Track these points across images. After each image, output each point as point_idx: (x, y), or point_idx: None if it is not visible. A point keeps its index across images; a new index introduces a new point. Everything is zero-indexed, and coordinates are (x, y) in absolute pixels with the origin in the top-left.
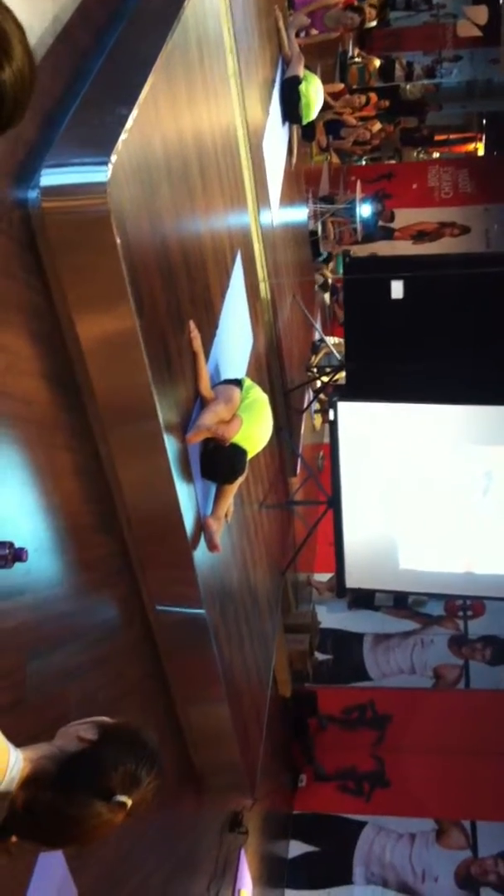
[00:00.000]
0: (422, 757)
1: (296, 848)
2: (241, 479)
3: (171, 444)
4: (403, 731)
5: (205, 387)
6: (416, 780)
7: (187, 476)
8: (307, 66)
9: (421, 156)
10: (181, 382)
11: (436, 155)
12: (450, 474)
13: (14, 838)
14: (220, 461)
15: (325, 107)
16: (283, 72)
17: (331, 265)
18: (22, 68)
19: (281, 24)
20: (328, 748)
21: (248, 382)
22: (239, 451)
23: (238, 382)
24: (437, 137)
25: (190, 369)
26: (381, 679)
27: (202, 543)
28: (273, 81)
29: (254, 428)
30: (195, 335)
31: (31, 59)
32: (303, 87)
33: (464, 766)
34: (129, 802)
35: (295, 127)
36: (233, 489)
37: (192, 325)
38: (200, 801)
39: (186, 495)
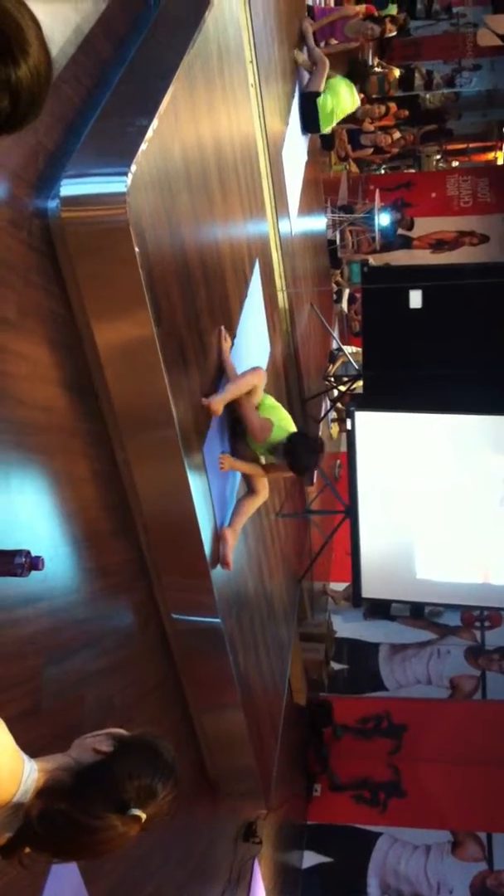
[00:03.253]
0: (438, 767)
1: (310, 858)
2: (262, 498)
3: (187, 451)
4: (419, 741)
5: (230, 370)
6: (431, 790)
7: (204, 483)
8: (333, 73)
9: (440, 165)
10: (199, 390)
11: (455, 164)
12: (467, 484)
13: (27, 849)
14: (299, 451)
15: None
16: (300, 83)
17: (345, 273)
18: (38, 64)
19: (307, 28)
20: (343, 757)
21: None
22: (302, 435)
23: None
24: (457, 146)
25: (208, 377)
26: (397, 689)
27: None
28: (293, 91)
29: (286, 423)
30: (226, 345)
31: (47, 54)
32: (321, 100)
33: (480, 777)
34: (144, 816)
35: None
36: (255, 504)
37: (222, 331)
38: (215, 810)
39: (203, 502)
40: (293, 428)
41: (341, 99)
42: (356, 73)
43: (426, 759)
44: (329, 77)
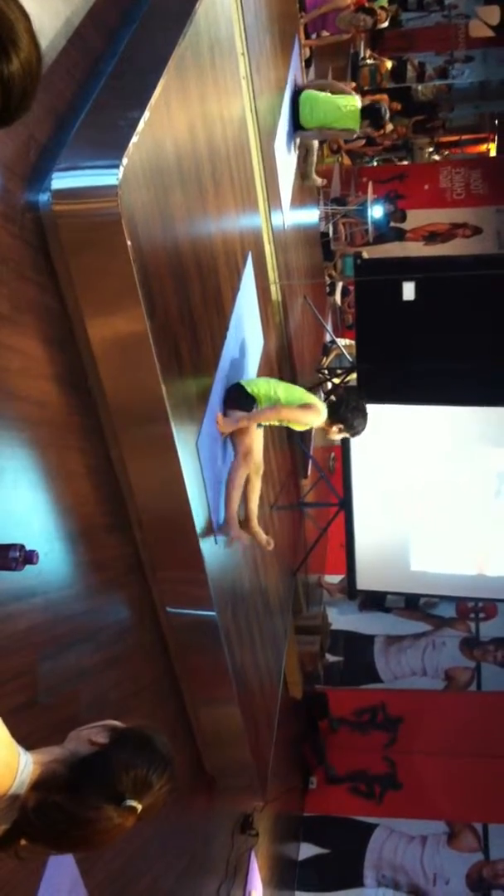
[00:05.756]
0: (433, 759)
1: (306, 850)
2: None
3: (181, 444)
4: (415, 733)
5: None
6: (427, 782)
7: (198, 477)
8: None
9: (434, 157)
10: (192, 384)
11: (445, 153)
12: (462, 476)
13: (23, 841)
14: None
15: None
16: (295, 77)
17: (337, 265)
18: (29, 58)
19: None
20: (339, 750)
21: (251, 383)
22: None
23: (242, 394)
24: (450, 139)
25: (201, 371)
26: (393, 681)
27: (212, 545)
28: (285, 83)
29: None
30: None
31: (37, 48)
32: (304, 94)
33: (475, 768)
34: (140, 807)
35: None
36: (256, 486)
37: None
38: (211, 803)
39: (197, 496)
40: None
41: (330, 108)
42: (371, 112)
43: (422, 750)
44: (341, 92)
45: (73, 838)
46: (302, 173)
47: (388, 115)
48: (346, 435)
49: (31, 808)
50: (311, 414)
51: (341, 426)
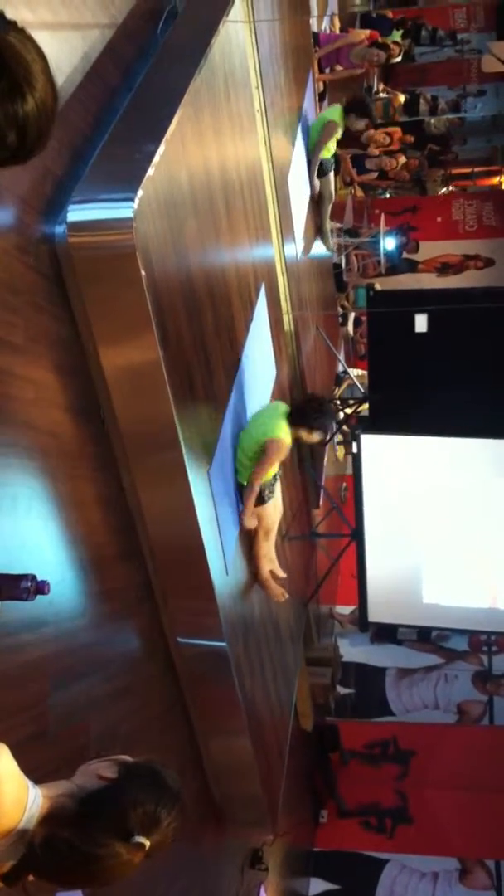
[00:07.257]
0: (445, 793)
1: (317, 885)
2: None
3: (193, 473)
4: (427, 766)
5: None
6: (439, 817)
7: (210, 506)
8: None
9: (449, 189)
10: (204, 413)
11: (453, 188)
12: (474, 508)
13: (31, 877)
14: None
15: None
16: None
17: (350, 297)
18: (45, 98)
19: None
20: (350, 783)
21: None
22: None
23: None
24: (462, 170)
25: (214, 401)
26: (404, 714)
27: (223, 575)
28: (299, 116)
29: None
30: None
31: (53, 87)
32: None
33: (488, 803)
34: (148, 843)
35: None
36: (265, 542)
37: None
38: (221, 836)
39: (209, 526)
40: (277, 417)
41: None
42: (355, 104)
43: (433, 784)
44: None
45: (81, 874)
46: (317, 224)
47: (373, 106)
48: (319, 434)
49: (39, 843)
50: (274, 453)
51: (308, 430)
